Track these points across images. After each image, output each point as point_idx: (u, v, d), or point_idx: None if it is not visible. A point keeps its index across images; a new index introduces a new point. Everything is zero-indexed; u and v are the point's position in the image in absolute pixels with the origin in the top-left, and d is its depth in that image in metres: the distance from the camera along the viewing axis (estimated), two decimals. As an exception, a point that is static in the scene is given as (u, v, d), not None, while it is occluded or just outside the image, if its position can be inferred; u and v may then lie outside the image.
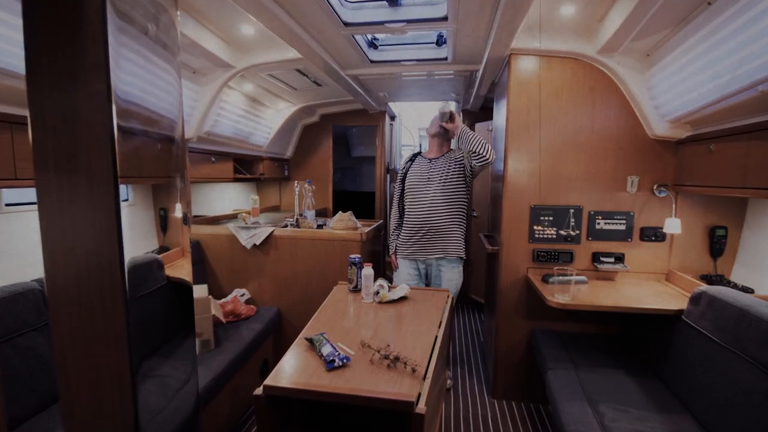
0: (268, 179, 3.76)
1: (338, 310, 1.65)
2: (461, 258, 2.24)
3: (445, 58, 2.34)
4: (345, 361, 1.15)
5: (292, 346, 1.30)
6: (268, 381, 1.05)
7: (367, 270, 1.73)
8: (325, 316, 1.60)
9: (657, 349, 1.75)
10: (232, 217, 3.28)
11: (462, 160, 2.21)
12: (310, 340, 1.27)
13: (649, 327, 1.86)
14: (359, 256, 1.85)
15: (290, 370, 1.15)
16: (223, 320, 1.95)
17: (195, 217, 2.98)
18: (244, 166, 3.49)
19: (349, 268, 1.85)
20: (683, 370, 1.53)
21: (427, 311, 1.65)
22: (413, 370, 1.10)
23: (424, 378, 1.09)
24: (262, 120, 3.22)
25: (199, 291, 2.12)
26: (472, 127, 3.89)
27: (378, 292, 1.73)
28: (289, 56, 2.19)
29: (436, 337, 1.39)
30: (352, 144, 5.38)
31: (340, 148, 5.32)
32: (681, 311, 1.63)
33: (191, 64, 2.17)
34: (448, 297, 1.84)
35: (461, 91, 3.22)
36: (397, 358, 1.14)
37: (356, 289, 1.84)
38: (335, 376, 1.09)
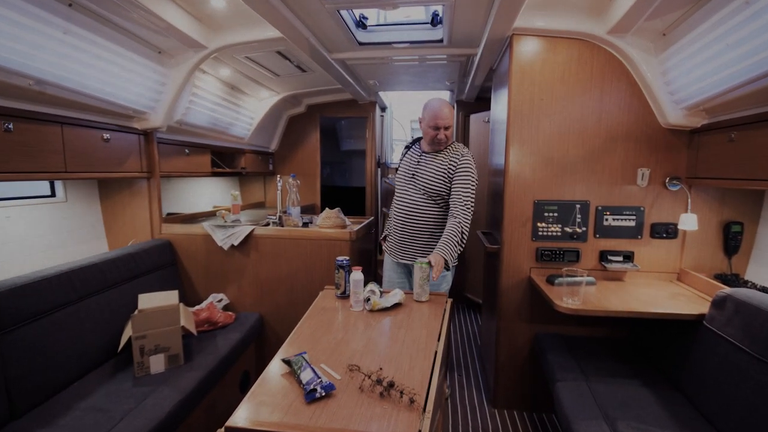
0: (250, 174, 3.52)
1: (323, 321, 1.46)
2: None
3: (441, 40, 2.14)
4: (328, 390, 0.96)
5: (266, 369, 1.10)
6: (230, 421, 0.85)
7: (357, 275, 1.53)
8: (309, 328, 1.41)
9: (674, 357, 1.60)
10: (211, 214, 3.05)
11: (451, 166, 1.87)
12: (287, 363, 1.08)
13: (663, 331, 1.72)
14: (347, 258, 1.66)
15: (261, 403, 0.95)
16: (194, 332, 1.74)
17: (169, 214, 2.74)
18: (223, 160, 3.25)
19: (336, 271, 1.66)
20: (707, 382, 1.39)
21: (424, 320, 1.47)
22: (411, 401, 0.92)
23: (424, 409, 0.91)
24: (242, 110, 2.98)
25: (169, 298, 1.90)
26: (466, 119, 3.71)
27: (369, 299, 1.54)
28: (269, 35, 1.97)
29: (436, 352, 1.21)
30: (341, 137, 5.16)
31: (328, 142, 5.09)
32: (702, 316, 1.49)
33: (155, 43, 1.93)
34: (446, 302, 1.67)
35: (456, 80, 3.03)
36: (391, 384, 0.96)
37: (344, 296, 1.65)
38: (317, 410, 0.90)
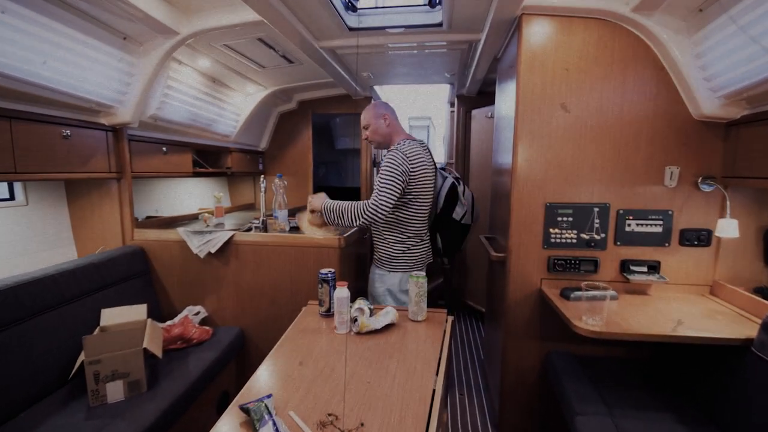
0: (238, 174, 3.31)
1: (301, 347, 1.24)
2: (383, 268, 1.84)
3: (440, 24, 1.92)
4: (292, 456, 0.74)
5: (221, 419, 0.88)
6: None
7: (341, 291, 1.31)
8: (283, 355, 1.19)
9: (712, 387, 1.37)
10: (194, 217, 2.84)
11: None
12: (245, 411, 0.86)
13: (695, 355, 1.49)
14: (332, 270, 1.44)
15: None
16: (159, 354, 1.53)
17: (148, 218, 2.54)
18: (208, 159, 3.04)
19: (320, 286, 1.44)
20: (758, 422, 1.16)
21: (420, 345, 1.25)
22: (399, 474, 0.70)
23: (417, 485, 0.69)
24: (227, 105, 2.77)
25: (136, 313, 1.69)
26: (468, 115, 3.49)
27: (356, 320, 1.32)
28: (247, 18, 1.75)
29: (434, 391, 0.99)
30: (336, 135, 4.94)
31: (323, 140, 4.89)
32: (749, 341, 1.26)
33: (119, 28, 1.72)
34: (446, 321, 1.45)
35: (456, 71, 2.80)
36: (374, 447, 0.74)
37: (329, 314, 1.43)
38: (273, 489, 0.69)
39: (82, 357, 1.44)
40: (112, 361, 1.43)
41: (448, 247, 2.00)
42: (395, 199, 1.62)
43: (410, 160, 1.67)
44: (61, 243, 2.08)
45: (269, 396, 0.90)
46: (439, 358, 1.13)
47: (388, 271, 1.83)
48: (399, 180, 1.63)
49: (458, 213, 1.95)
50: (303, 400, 0.95)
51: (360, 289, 2.56)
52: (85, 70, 1.65)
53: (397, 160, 1.65)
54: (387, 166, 1.65)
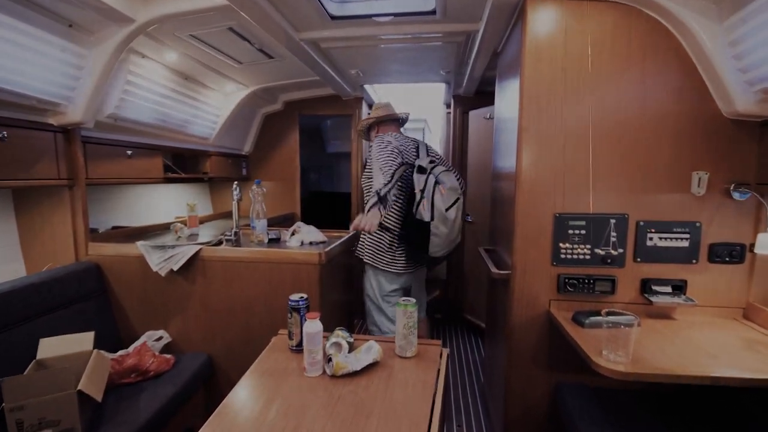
0: (217, 179, 3.08)
1: (260, 397, 1.00)
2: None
3: (433, 12, 1.71)
4: None
5: None
6: None
7: (312, 325, 1.08)
8: (236, 407, 0.96)
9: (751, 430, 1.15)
10: (168, 227, 2.60)
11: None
12: None
13: (732, 391, 1.27)
14: (304, 296, 1.21)
15: None
16: (99, 398, 1.28)
17: (114, 228, 2.30)
18: (185, 164, 2.81)
19: (289, 315, 1.21)
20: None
21: (408, 392, 1.02)
22: None
23: None
24: (203, 105, 2.54)
25: (80, 343, 1.45)
26: (465, 116, 3.28)
27: (330, 360, 1.08)
28: (213, 3, 1.53)
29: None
30: (327, 138, 4.73)
31: (313, 143, 4.68)
32: (806, 383, 1.04)
33: (63, 13, 1.49)
34: (440, 355, 1.22)
35: (452, 68, 2.59)
36: None
37: (299, 349, 1.20)
38: None
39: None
40: (39, 407, 1.18)
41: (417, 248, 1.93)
42: (390, 175, 1.71)
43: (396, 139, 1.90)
44: (7, 260, 1.84)
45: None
46: (431, 416, 0.90)
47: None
48: (391, 156, 1.78)
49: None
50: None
51: (346, 307, 2.33)
52: (19, 61, 1.42)
53: (383, 142, 1.85)
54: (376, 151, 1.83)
